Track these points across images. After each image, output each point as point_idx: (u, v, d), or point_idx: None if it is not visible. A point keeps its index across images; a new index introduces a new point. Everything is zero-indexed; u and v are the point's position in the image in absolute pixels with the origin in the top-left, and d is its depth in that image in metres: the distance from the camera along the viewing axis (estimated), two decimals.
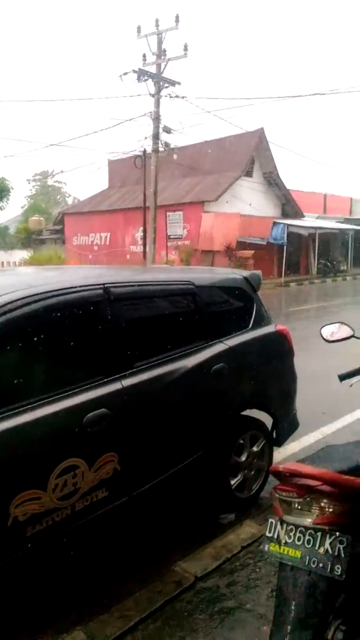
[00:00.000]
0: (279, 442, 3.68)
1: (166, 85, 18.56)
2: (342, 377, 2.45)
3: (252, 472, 3.37)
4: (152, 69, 18.34)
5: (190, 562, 2.65)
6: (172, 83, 18.56)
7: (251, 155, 24.07)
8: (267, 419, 3.58)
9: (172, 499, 2.97)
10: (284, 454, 4.02)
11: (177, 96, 18.72)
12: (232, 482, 3.23)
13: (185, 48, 17.93)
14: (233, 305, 3.50)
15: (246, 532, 2.92)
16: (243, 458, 3.29)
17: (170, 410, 2.83)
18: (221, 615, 2.28)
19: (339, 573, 1.51)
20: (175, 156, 19.97)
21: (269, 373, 3.56)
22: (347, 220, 28.82)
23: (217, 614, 2.29)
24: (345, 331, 2.46)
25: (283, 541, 1.64)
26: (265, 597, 2.38)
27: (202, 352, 3.04)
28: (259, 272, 3.79)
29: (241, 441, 3.28)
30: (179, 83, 18.65)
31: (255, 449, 3.37)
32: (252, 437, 3.36)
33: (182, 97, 18.79)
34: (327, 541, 1.55)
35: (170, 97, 18.72)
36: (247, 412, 3.41)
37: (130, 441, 2.56)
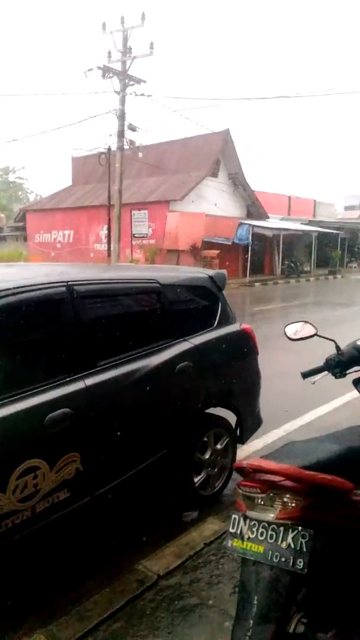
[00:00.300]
0: (243, 440, 3.72)
1: (131, 83, 18.45)
2: (305, 375, 2.48)
3: (216, 470, 3.39)
4: (118, 66, 18.21)
5: (153, 560, 2.64)
6: (138, 81, 18.48)
7: (217, 155, 24.23)
8: (231, 417, 3.61)
9: (135, 498, 2.95)
10: (247, 451, 4.06)
11: (142, 94, 18.66)
12: (196, 479, 3.24)
13: (151, 46, 17.86)
14: (198, 304, 3.51)
15: (209, 529, 2.93)
16: (207, 456, 3.31)
17: (134, 409, 2.81)
18: (183, 612, 2.28)
19: (301, 567, 1.53)
20: (140, 154, 19.92)
21: (233, 371, 3.59)
22: (310, 222, 29.43)
23: (179, 612, 2.29)
24: (309, 330, 2.49)
25: (246, 536, 1.66)
26: (228, 593, 2.40)
27: (166, 350, 3.03)
28: (224, 271, 3.82)
29: (205, 439, 3.30)
30: (144, 81, 18.59)
31: (219, 446, 3.40)
32: (216, 434, 3.39)
33: (148, 96, 18.73)
34: (290, 536, 1.57)
35: (136, 95, 18.65)
36: (212, 410, 3.43)
37: (93, 441, 2.53)
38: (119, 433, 2.67)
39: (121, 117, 18.54)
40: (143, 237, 22.15)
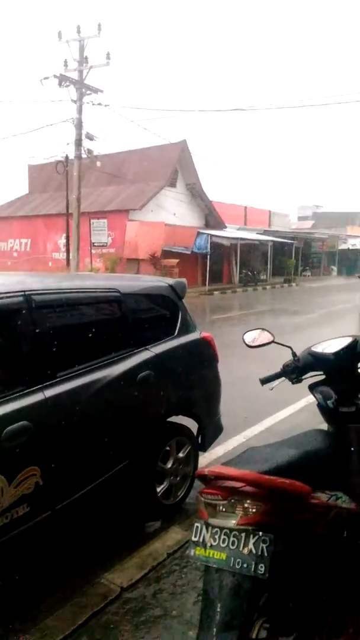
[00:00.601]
0: (204, 447, 3.74)
1: (88, 92, 18.42)
2: (263, 381, 2.53)
3: (178, 478, 3.39)
4: (75, 75, 18.14)
5: (116, 573, 2.61)
6: (95, 90, 18.46)
7: (174, 166, 24.46)
8: (192, 424, 3.62)
9: (97, 511, 2.91)
10: (209, 458, 4.08)
11: (99, 104, 18.65)
12: (158, 489, 3.22)
13: (108, 57, 17.92)
14: (159, 313, 3.52)
15: (172, 539, 2.92)
16: (169, 465, 3.30)
17: (95, 421, 2.78)
18: (147, 624, 2.26)
19: (263, 572, 1.55)
20: (98, 163, 19.84)
21: (194, 379, 3.61)
22: (266, 232, 30.13)
23: (143, 624, 2.27)
24: (266, 337, 2.54)
25: (208, 544, 1.66)
26: (192, 602, 2.39)
27: (127, 360, 3.02)
28: (183, 280, 3.84)
29: (167, 448, 3.29)
30: (101, 91, 18.59)
31: (181, 455, 3.40)
32: (178, 443, 3.39)
33: (105, 105, 18.74)
34: (251, 541, 1.59)
35: (93, 104, 18.62)
36: (173, 419, 3.43)
37: (53, 454, 2.47)
38: (79, 445, 2.63)
39: (78, 125, 18.45)
40: (102, 246, 22.04)
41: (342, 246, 37.34)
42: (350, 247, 37.75)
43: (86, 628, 2.24)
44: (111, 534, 3.10)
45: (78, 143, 18.62)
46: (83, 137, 18.61)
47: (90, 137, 18.73)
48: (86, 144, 18.89)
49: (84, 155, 18.97)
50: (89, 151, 19.09)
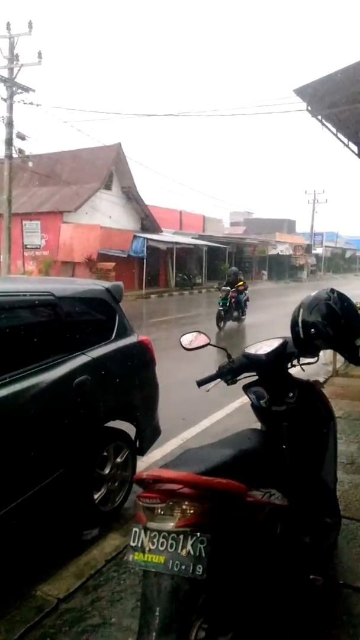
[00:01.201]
0: (142, 451, 3.72)
1: (19, 91, 17.92)
2: (200, 383, 2.56)
3: (116, 484, 3.35)
4: (5, 73, 17.59)
5: (52, 584, 2.53)
6: (26, 89, 17.97)
7: (110, 168, 24.30)
8: (130, 429, 3.60)
9: (32, 522, 2.81)
10: (147, 462, 4.07)
11: (31, 103, 18.19)
12: (96, 496, 3.17)
13: (40, 55, 17.55)
14: (95, 317, 3.48)
15: (110, 545, 2.88)
16: (107, 470, 3.26)
17: (30, 429, 2.68)
18: (85, 634, 2.22)
19: (201, 573, 1.56)
20: (30, 164, 19.33)
21: (132, 383, 3.59)
22: (201, 237, 30.57)
23: (82, 634, 2.22)
24: (202, 339, 2.58)
25: (147, 548, 1.66)
26: (131, 609, 2.37)
27: (63, 365, 2.95)
28: (120, 283, 3.82)
29: (105, 453, 3.25)
30: (33, 90, 18.13)
31: (118, 460, 3.37)
32: (115, 448, 3.35)
33: (37, 105, 18.29)
34: (189, 543, 1.60)
35: (24, 103, 18.13)
36: (111, 423, 3.40)
37: None
38: (12, 456, 2.53)
39: (9, 124, 17.89)
40: (36, 248, 21.46)
41: (272, 252, 38.69)
42: (280, 253, 39.19)
43: None
44: (47, 544, 3.01)
45: (9, 142, 18.05)
46: (14, 136, 18.06)
47: (21, 137, 18.22)
48: (17, 143, 18.36)
49: (15, 155, 18.40)
50: (20, 151, 18.54)
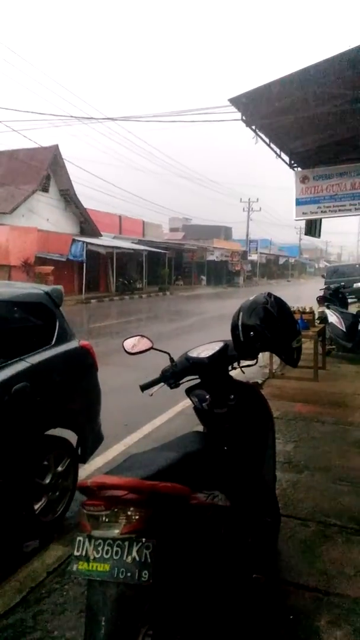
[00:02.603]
0: (85, 459, 3.65)
1: None
2: (143, 387, 2.56)
3: (57, 493, 3.27)
4: None
5: None
6: None
7: (46, 170, 23.81)
8: (71, 436, 3.52)
9: None
10: (89, 470, 4.00)
11: None
12: (36, 506, 3.08)
13: None
14: (34, 321, 3.38)
15: (52, 557, 2.81)
16: (47, 480, 3.17)
17: None
18: None
19: (146, 579, 1.55)
20: None
21: (73, 389, 3.52)
22: (140, 242, 30.61)
23: None
24: (145, 343, 2.57)
25: (92, 557, 1.62)
26: (74, 620, 2.32)
27: (1, 372, 2.85)
28: (60, 287, 3.74)
29: (45, 462, 3.16)
30: None
31: (60, 468, 3.28)
32: (56, 456, 3.27)
33: None
34: (135, 549, 1.59)
35: None
36: (51, 432, 3.31)
37: None
38: None
39: None
40: None
41: (210, 257, 39.47)
42: (217, 259, 40.07)
43: None
44: None
45: None
46: None
47: None
48: None
49: None
50: None
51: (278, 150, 8.75)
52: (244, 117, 7.28)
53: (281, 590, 2.52)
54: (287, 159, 9.14)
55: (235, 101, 6.86)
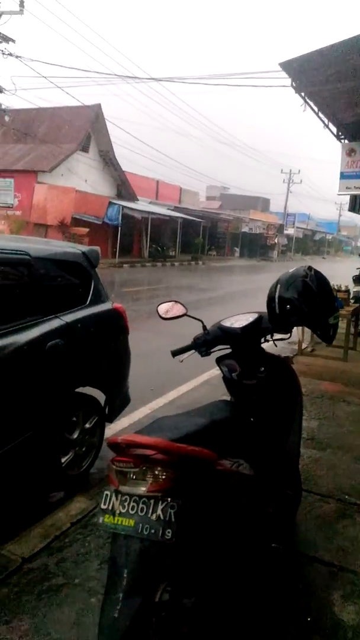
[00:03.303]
0: (111, 418, 3.73)
1: None
2: (174, 353, 2.57)
3: (84, 449, 3.36)
4: None
5: (17, 544, 2.55)
6: (6, 39, 17.15)
7: (87, 130, 23.58)
8: (100, 395, 3.59)
9: (0, 480, 2.80)
10: (115, 429, 4.09)
11: (10, 54, 17.37)
12: (63, 459, 3.17)
13: (22, 4, 16.69)
14: (70, 280, 3.41)
15: (76, 508, 2.91)
16: (75, 435, 3.26)
17: (1, 389, 2.65)
18: (49, 593, 2.25)
19: (170, 537, 1.59)
20: (7, 118, 18.58)
21: (104, 350, 3.57)
22: (176, 209, 30.22)
23: (45, 593, 2.25)
24: (179, 309, 2.56)
25: (117, 512, 1.68)
26: (94, 570, 2.41)
27: (36, 327, 2.90)
28: (97, 248, 3.74)
29: (74, 418, 3.25)
30: (13, 40, 17.32)
31: (87, 425, 3.37)
32: (85, 414, 3.35)
33: (17, 57, 17.49)
34: (160, 507, 1.63)
35: (3, 54, 17.30)
36: (81, 389, 3.38)
37: None
38: None
39: None
40: (8, 207, 20.83)
41: (245, 229, 38.73)
42: (252, 231, 39.30)
43: None
44: (13, 505, 3.02)
45: None
46: None
47: None
48: None
49: None
50: None
51: (326, 120, 8.43)
52: (294, 83, 7.01)
53: (296, 561, 2.56)
54: (334, 130, 8.81)
55: (286, 66, 6.60)
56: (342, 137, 9.06)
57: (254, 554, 2.26)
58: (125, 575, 1.62)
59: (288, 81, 7.10)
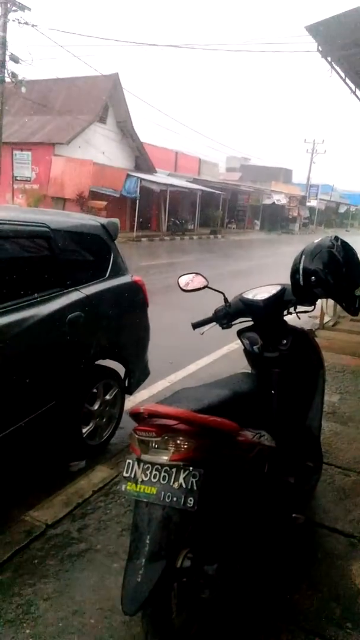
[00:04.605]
0: (131, 391, 3.76)
1: (14, 9, 16.75)
2: (195, 326, 2.55)
3: (104, 420, 3.41)
4: None
5: (41, 510, 2.61)
6: (22, 7, 16.83)
7: (105, 100, 23.20)
8: (119, 367, 3.61)
9: (22, 450, 2.86)
10: (134, 402, 4.13)
11: (26, 23, 17.06)
12: (84, 430, 3.23)
13: None
14: (90, 253, 3.39)
15: (97, 477, 2.96)
16: (96, 406, 3.30)
17: (23, 361, 2.68)
18: (72, 558, 2.31)
19: (192, 505, 1.61)
20: (23, 89, 18.36)
21: (124, 323, 3.57)
22: (195, 181, 29.73)
23: (68, 558, 2.31)
24: (200, 281, 2.54)
25: (140, 479, 1.69)
26: (116, 537, 2.46)
27: (57, 299, 2.91)
28: (116, 220, 3.70)
29: (94, 390, 3.28)
30: (29, 8, 17.00)
31: (108, 397, 3.40)
32: (105, 385, 3.38)
33: (33, 25, 17.20)
34: (182, 476, 1.64)
35: (19, 23, 17.01)
36: (101, 362, 3.40)
37: None
38: (6, 384, 2.54)
39: (2, 45, 16.83)
40: (26, 180, 20.77)
41: (266, 201, 37.93)
42: (275, 203, 38.46)
43: (10, 564, 2.25)
44: (36, 473, 3.09)
45: (1, 65, 17.05)
46: (7, 58, 17.04)
47: (15, 59, 17.22)
48: (10, 66, 17.35)
49: (7, 79, 17.44)
50: (13, 75, 17.56)
51: (353, 87, 8.12)
52: (320, 48, 6.74)
53: (316, 532, 2.57)
54: None
55: (313, 29, 6.34)
56: None
57: (275, 523, 2.27)
58: (147, 542, 1.65)
59: (313, 46, 6.84)
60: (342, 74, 7.62)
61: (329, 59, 7.05)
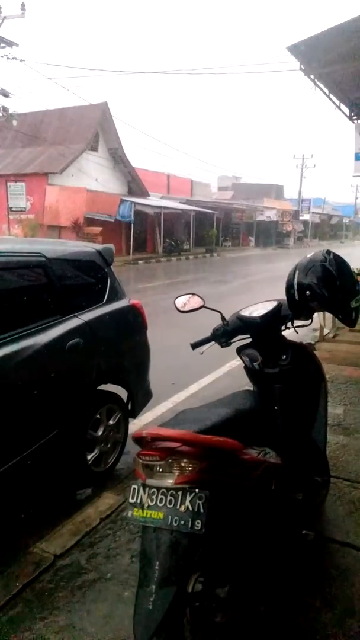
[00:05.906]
0: (134, 414, 3.75)
1: (2, 45, 17.16)
2: (194, 346, 2.56)
3: (109, 445, 3.39)
4: None
5: (49, 541, 2.58)
6: (9, 43, 17.23)
7: (96, 128, 23.60)
8: (122, 392, 3.61)
9: (26, 482, 2.84)
10: (138, 425, 4.11)
11: (15, 58, 17.47)
12: (89, 457, 3.21)
13: (23, 7, 16.76)
14: (87, 279, 3.42)
15: (104, 504, 2.94)
16: (99, 432, 3.29)
17: (23, 391, 2.67)
18: (82, 589, 2.28)
19: (199, 527, 1.59)
20: (14, 122, 18.71)
21: (124, 347, 3.58)
22: (188, 201, 30.08)
23: (78, 589, 2.27)
24: (196, 301, 2.55)
25: (146, 505, 1.68)
26: (126, 564, 2.43)
27: (56, 327, 2.92)
28: (111, 245, 3.75)
29: (97, 416, 3.27)
30: (16, 44, 17.40)
31: (111, 422, 3.39)
32: (108, 410, 3.37)
33: (21, 60, 17.58)
34: (188, 499, 1.63)
35: (7, 58, 17.41)
36: (103, 387, 3.40)
37: None
38: (7, 416, 2.53)
39: None
40: (21, 211, 21.02)
41: (260, 218, 38.29)
42: (267, 219, 38.84)
43: (20, 598, 2.21)
44: (42, 503, 3.06)
45: None
46: None
47: (5, 94, 17.59)
48: (0, 101, 17.72)
49: None
50: (4, 109, 17.92)
51: (337, 102, 8.29)
52: (302, 66, 6.90)
53: (327, 547, 2.54)
54: (347, 110, 8.65)
55: (294, 49, 6.50)
56: (355, 117, 8.90)
57: (285, 541, 2.25)
58: (157, 567, 1.63)
59: (296, 65, 7.00)
60: (326, 90, 7.78)
61: (312, 76, 7.20)
